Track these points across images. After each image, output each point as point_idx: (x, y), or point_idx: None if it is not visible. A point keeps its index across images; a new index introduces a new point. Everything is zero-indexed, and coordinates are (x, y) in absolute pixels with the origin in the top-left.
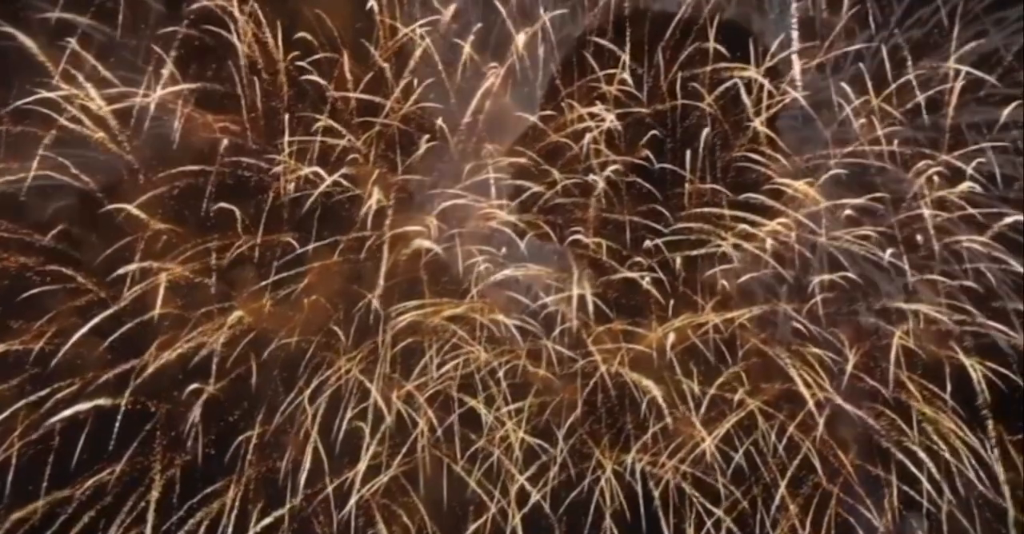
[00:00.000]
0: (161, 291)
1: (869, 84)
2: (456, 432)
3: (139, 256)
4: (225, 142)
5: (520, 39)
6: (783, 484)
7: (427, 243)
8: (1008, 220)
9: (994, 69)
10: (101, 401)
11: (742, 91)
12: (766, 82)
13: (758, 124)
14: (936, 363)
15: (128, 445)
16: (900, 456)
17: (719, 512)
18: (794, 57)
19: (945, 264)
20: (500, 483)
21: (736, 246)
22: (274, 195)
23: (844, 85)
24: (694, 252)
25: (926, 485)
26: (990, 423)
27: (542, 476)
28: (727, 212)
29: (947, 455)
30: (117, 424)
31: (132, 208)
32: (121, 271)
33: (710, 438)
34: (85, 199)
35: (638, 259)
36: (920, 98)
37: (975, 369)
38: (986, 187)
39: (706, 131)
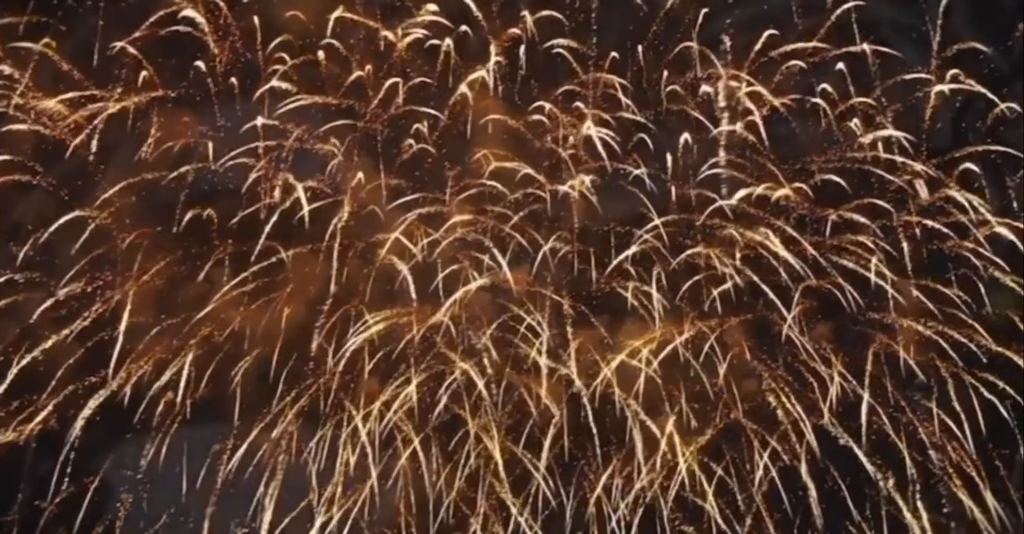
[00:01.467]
0: (129, 304)
1: (852, 89)
2: (435, 442)
3: (107, 266)
4: (203, 148)
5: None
6: (762, 491)
7: (399, 263)
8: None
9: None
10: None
11: (719, 97)
12: (743, 88)
13: (739, 129)
14: (923, 373)
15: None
16: (879, 470)
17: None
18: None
19: (932, 272)
20: (483, 493)
21: (721, 254)
22: (249, 203)
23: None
24: (678, 260)
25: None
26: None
27: (524, 486)
28: (711, 221)
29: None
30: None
31: (100, 218)
32: (78, 284)
33: (689, 451)
34: (52, 207)
35: (621, 266)
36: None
37: (962, 379)
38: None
39: (687, 136)
